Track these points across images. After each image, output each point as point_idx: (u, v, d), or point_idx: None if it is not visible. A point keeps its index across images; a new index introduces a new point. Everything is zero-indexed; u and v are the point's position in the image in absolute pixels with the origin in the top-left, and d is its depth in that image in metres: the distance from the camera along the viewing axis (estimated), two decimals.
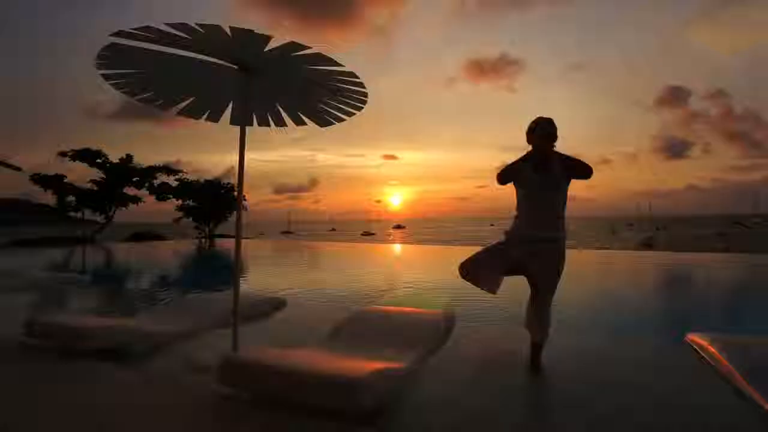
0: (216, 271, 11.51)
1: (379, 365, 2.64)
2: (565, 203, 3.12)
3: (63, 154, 22.82)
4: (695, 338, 3.62)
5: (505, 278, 3.18)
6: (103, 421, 2.30)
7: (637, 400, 2.69)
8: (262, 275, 9.68)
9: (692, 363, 3.31)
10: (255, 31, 2.59)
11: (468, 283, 3.21)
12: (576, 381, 2.99)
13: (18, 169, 16.60)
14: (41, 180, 22.34)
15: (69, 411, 2.42)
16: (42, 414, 2.40)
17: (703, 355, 3.38)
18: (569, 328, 4.32)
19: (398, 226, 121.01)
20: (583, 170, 3.07)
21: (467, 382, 3.00)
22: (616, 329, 4.71)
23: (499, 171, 3.16)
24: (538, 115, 3.13)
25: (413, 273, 10.14)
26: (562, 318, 4.12)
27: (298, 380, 2.41)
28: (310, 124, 3.79)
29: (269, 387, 2.50)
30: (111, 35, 2.63)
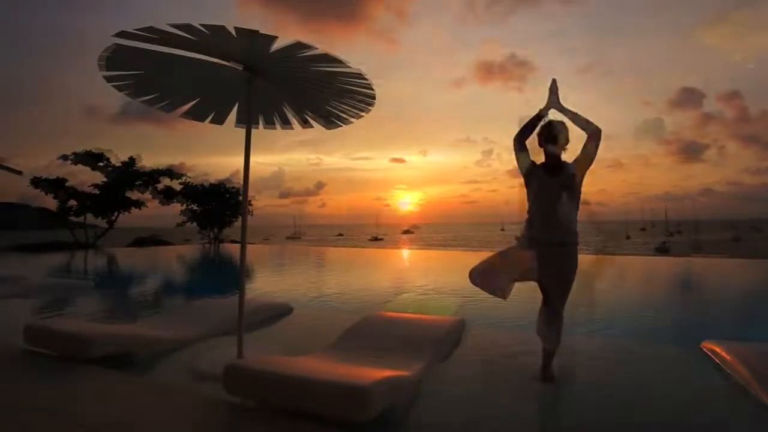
0: (222, 276, 11.45)
1: (386, 373, 2.58)
2: (577, 206, 3.03)
3: (65, 157, 22.81)
4: (711, 346, 3.52)
5: (517, 283, 3.10)
6: (104, 428, 2.23)
7: (648, 409, 2.61)
8: (268, 281, 9.59)
9: (707, 371, 3.23)
10: (260, 32, 2.53)
11: (478, 288, 3.13)
12: (587, 388, 2.91)
13: (18, 172, 16.59)
14: (42, 183, 22.29)
15: (68, 418, 2.35)
16: (41, 420, 2.34)
17: (718, 363, 3.29)
18: (583, 335, 4.19)
19: (407, 231, 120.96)
20: (591, 141, 2.93)
21: (476, 389, 2.92)
22: (630, 336, 4.58)
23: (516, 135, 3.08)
24: (550, 119, 3.06)
25: (422, 278, 9.90)
26: (576, 323, 4.01)
27: (304, 388, 2.35)
28: (317, 125, 3.73)
29: (274, 395, 2.44)
30: (114, 36, 2.57)
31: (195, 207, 26.12)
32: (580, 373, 3.16)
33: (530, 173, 3.06)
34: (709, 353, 3.49)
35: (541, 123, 3.09)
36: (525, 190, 3.13)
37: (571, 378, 3.06)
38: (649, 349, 3.97)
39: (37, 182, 22.03)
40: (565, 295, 3.03)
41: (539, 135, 3.07)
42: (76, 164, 22.96)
